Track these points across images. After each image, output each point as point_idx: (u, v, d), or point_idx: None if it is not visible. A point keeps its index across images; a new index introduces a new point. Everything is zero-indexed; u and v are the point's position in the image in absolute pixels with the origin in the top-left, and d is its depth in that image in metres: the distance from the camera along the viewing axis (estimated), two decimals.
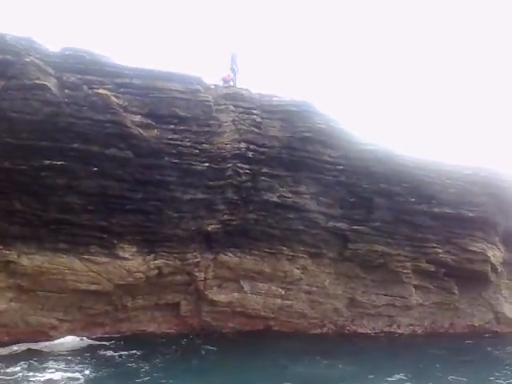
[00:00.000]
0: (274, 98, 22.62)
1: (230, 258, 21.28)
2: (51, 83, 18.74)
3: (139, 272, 19.61)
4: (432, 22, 61.02)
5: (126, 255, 19.52)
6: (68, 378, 14.85)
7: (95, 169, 18.97)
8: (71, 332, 18.94)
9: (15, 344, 17.39)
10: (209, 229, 20.89)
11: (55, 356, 16.86)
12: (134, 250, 19.74)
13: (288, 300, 21.95)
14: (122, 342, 18.70)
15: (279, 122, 22.11)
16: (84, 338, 18.73)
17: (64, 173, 18.60)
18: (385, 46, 63.87)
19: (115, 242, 19.45)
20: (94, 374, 15.33)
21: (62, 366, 15.83)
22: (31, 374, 14.93)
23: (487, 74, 55.07)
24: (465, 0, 60.44)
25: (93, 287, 19.02)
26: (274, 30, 61.94)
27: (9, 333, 18.08)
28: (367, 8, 61.26)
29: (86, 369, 15.66)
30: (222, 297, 21.13)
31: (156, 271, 19.99)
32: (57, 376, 14.88)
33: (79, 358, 16.73)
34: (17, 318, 18.33)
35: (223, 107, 21.63)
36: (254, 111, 21.95)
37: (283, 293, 21.88)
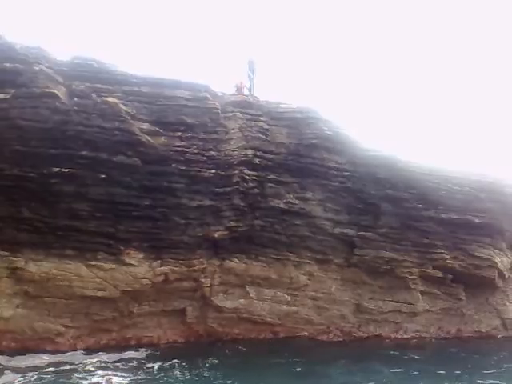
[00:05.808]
0: (281, 105, 22.63)
1: (236, 264, 21.34)
2: (60, 91, 18.87)
3: (145, 278, 19.65)
4: (434, 24, 60.58)
5: (133, 262, 19.56)
6: None
7: (103, 176, 19.06)
8: (77, 338, 19.10)
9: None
10: (215, 235, 20.90)
11: None
12: (141, 256, 19.78)
13: (294, 306, 22.01)
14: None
15: (286, 128, 22.15)
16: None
17: (72, 180, 18.72)
18: (386, 49, 63.75)
19: (122, 248, 19.51)
20: None
21: None
22: None
23: (490, 77, 54.59)
24: (466, 1, 59.83)
25: (99, 293, 19.09)
26: (275, 35, 62.09)
27: (15, 339, 18.20)
28: (370, 13, 60.96)
29: None
30: (228, 303, 21.18)
31: (162, 277, 20.03)
32: None
33: None
34: (23, 324, 18.41)
35: (230, 114, 21.68)
36: (261, 118, 22.00)
37: (289, 299, 21.94)
